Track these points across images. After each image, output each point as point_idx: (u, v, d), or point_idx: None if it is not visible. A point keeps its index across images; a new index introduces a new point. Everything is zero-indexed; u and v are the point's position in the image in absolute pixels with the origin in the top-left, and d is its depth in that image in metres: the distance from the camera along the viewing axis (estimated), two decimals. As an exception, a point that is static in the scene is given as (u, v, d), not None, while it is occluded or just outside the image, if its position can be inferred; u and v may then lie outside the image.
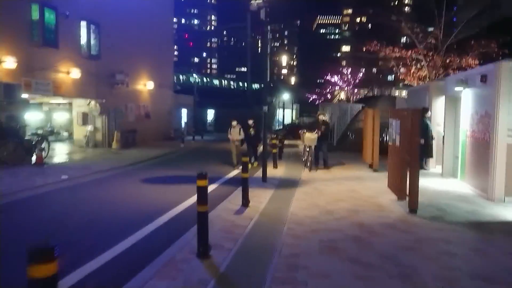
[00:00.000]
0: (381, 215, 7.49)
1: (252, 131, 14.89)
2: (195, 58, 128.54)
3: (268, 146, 12.50)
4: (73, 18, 17.27)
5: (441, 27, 18.58)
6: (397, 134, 8.62)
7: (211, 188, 10.31)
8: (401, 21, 20.82)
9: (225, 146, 22.72)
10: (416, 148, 7.62)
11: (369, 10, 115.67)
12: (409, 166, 7.71)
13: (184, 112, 31.45)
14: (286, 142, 24.94)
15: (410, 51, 19.12)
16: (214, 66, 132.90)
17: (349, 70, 42.32)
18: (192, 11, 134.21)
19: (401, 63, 19.76)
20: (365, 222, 6.98)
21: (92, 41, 18.73)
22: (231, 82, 61.51)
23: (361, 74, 41.42)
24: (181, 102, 31.33)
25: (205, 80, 54.58)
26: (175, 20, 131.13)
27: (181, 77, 46.64)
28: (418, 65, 19.52)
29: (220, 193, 9.66)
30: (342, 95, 39.23)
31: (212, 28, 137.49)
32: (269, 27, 36.78)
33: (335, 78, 42.88)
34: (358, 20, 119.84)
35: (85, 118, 20.15)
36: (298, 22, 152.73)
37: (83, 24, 18.08)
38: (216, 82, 57.26)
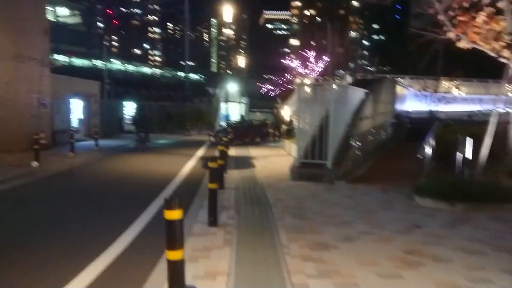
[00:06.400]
0: None
1: None
2: (136, 49, 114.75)
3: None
4: None
5: None
6: None
7: None
8: None
9: (134, 166, 11.44)
10: None
11: None
12: None
13: (79, 104, 19.96)
14: (231, 152, 14.42)
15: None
16: (157, 58, 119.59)
17: (313, 53, 32.55)
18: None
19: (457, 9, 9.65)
20: None
21: None
22: (163, 71, 50.19)
23: (327, 58, 31.74)
24: (76, 89, 19.84)
25: (128, 67, 42.79)
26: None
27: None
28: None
29: None
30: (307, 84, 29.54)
31: (156, 18, 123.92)
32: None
33: (295, 63, 32.98)
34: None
35: None
36: (246, 16, 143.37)
37: None
38: (144, 70, 45.60)
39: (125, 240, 5.27)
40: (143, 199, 7.46)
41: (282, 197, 7.59)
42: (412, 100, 20.20)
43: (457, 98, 20.58)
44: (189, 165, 12.19)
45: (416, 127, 17.80)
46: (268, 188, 8.42)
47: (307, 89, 9.96)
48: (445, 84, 20.14)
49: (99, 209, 7.08)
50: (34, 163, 11.18)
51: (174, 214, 2.95)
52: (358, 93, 11.62)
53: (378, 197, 7.76)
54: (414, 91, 20.08)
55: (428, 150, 9.49)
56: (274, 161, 13.32)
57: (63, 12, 50.85)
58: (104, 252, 4.77)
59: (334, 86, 9.56)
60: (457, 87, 20.69)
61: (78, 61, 44.45)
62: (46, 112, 16.53)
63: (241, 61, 61.21)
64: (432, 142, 10.12)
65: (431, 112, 18.28)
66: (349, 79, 24.42)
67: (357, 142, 10.43)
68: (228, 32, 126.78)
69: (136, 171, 11.23)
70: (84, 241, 5.33)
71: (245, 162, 12.70)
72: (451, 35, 10.04)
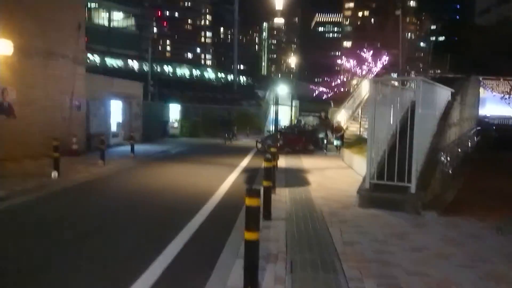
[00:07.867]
0: None
1: None
2: (188, 53, 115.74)
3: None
4: None
5: None
6: None
7: None
8: None
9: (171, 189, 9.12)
10: None
11: None
12: None
13: (119, 106, 18.53)
14: (280, 162, 12.21)
15: None
16: (209, 62, 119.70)
17: (370, 52, 29.69)
18: (186, 4, 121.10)
19: None
20: None
21: None
22: (210, 73, 48.97)
23: (386, 58, 28.80)
24: (116, 90, 18.46)
25: (170, 68, 41.78)
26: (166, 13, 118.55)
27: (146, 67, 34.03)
28: None
29: None
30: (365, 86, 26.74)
31: (207, 23, 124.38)
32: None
33: (351, 63, 30.26)
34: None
35: None
36: (296, 19, 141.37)
37: None
38: (186, 72, 44.41)
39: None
40: (158, 237, 5.41)
41: (353, 239, 5.26)
42: (493, 103, 17.18)
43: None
44: (230, 179, 10.11)
45: (502, 135, 14.86)
46: (330, 220, 6.12)
47: (383, 87, 7.52)
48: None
49: (91, 256, 5.07)
50: (53, 173, 9.56)
51: None
52: (445, 93, 9.03)
53: (496, 243, 5.24)
54: (497, 94, 17.01)
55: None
56: (332, 175, 10.95)
57: (117, 16, 51.09)
58: None
59: (420, 82, 7.07)
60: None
61: (117, 62, 44.12)
62: (80, 114, 15.16)
63: (292, 63, 58.87)
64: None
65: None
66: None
67: (447, 157, 7.88)
68: (279, 29, 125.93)
69: (164, 187, 9.23)
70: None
71: (297, 177, 10.44)
72: None
